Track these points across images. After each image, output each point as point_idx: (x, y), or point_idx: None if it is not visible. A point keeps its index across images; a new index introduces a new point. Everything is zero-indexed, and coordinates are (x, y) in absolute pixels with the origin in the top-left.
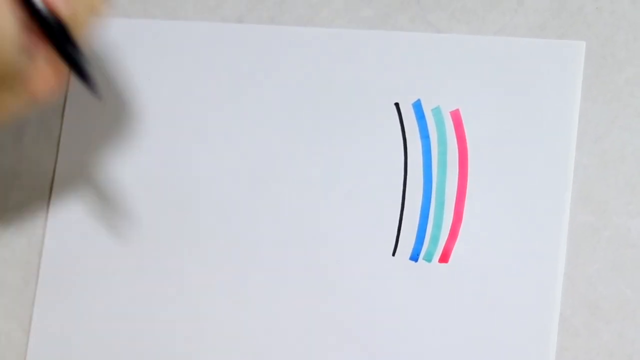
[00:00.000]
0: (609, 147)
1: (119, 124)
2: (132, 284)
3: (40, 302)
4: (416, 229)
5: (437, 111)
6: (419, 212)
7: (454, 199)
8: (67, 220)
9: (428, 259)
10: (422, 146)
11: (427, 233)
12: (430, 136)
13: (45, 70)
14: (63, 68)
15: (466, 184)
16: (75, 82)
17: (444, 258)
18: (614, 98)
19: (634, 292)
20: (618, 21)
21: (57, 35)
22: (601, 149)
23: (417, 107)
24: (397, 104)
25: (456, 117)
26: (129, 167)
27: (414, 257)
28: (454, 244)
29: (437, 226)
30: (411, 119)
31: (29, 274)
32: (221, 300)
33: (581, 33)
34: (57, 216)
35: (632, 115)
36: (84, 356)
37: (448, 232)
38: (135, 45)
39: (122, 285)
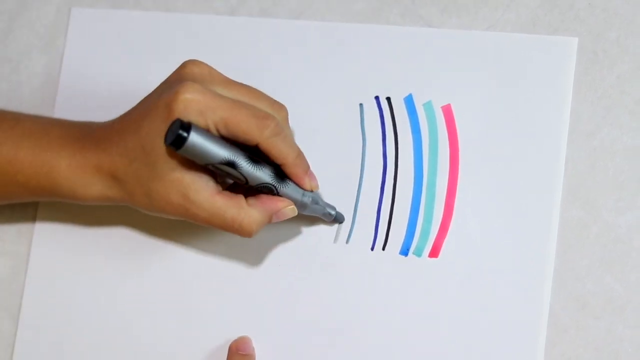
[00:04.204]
0: (599, 144)
1: (108, 117)
2: (121, 275)
3: (29, 291)
4: (406, 223)
5: (428, 106)
6: (409, 207)
7: (445, 193)
8: (56, 211)
9: (418, 253)
10: (413, 141)
11: (418, 227)
12: (422, 131)
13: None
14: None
15: (457, 179)
16: (65, 77)
17: (434, 253)
18: (605, 95)
19: (623, 287)
20: (610, 18)
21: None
22: (592, 145)
23: (409, 101)
24: (388, 98)
25: (447, 111)
26: None
27: (404, 252)
28: (444, 239)
29: (428, 221)
30: (402, 114)
31: (18, 263)
32: (208, 297)
33: (573, 29)
34: (46, 207)
35: (622, 112)
36: (72, 346)
37: (438, 226)
38: (127, 37)
39: (111, 276)
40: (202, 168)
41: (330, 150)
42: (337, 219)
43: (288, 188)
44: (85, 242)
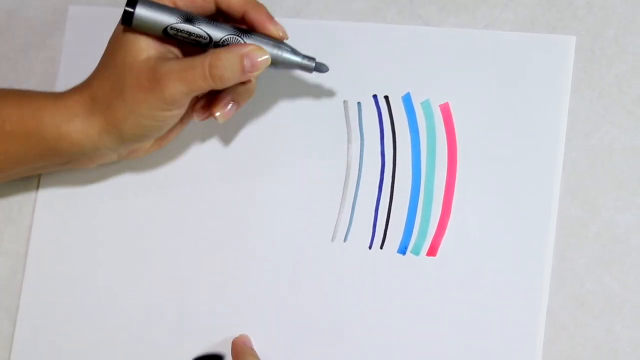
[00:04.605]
0: (597, 143)
1: None
2: (118, 274)
3: (27, 290)
4: (404, 222)
5: (426, 104)
6: (407, 206)
7: (443, 192)
8: (54, 210)
9: (416, 252)
10: (411, 139)
11: (415, 226)
12: (420, 129)
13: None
14: None
15: (455, 178)
16: (62, 74)
17: (432, 251)
18: (603, 93)
19: (621, 286)
20: (608, 16)
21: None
22: (590, 144)
23: (407, 100)
24: (386, 97)
25: (445, 110)
26: None
27: (402, 251)
28: (442, 238)
29: (426, 220)
30: (400, 112)
31: (16, 262)
32: (206, 296)
33: (571, 28)
34: (44, 205)
35: (620, 111)
36: (70, 345)
37: (436, 225)
38: None
39: (108, 275)
40: (164, 42)
41: (329, 149)
42: (318, 67)
43: (254, 37)
44: (83, 241)
